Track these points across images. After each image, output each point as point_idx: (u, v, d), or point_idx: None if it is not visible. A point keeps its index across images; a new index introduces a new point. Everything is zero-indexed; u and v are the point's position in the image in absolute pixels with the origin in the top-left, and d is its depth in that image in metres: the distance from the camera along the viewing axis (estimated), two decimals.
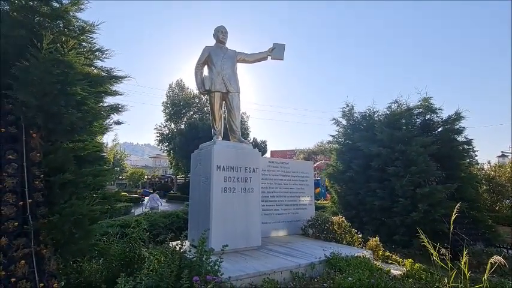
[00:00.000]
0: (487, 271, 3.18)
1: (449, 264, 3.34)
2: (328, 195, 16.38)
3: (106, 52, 4.07)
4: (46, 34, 3.02)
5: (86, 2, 3.68)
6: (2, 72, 3.10)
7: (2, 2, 3.32)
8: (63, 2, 3.58)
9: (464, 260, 3.23)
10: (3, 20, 3.18)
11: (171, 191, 37.66)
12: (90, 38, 3.92)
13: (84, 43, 3.93)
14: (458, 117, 8.05)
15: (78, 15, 3.78)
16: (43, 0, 3.42)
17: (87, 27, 3.79)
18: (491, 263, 3.16)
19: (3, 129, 3.12)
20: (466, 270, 3.18)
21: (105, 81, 4.11)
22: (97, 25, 3.82)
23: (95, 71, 4.10)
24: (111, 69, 4.20)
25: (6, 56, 3.13)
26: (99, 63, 4.16)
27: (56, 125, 3.32)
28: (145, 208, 13.53)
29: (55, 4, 3.54)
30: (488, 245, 6.69)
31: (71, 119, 3.28)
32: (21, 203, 3.02)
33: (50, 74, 3.03)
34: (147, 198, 15.20)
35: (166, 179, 51.12)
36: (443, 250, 3.54)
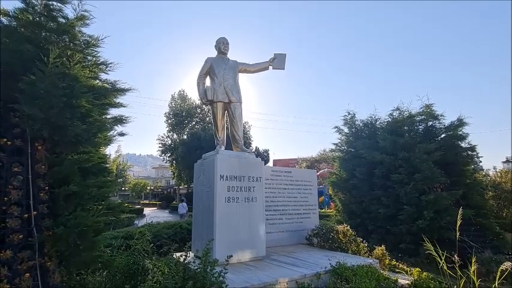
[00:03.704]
0: (496, 279, 3.12)
1: (459, 273, 3.28)
2: (332, 204, 16.25)
3: (110, 65, 4.15)
4: (52, 48, 3.09)
5: (91, 17, 3.78)
6: (9, 86, 3.16)
7: (10, 18, 3.41)
8: (69, 17, 3.67)
9: (473, 268, 3.17)
10: (11, 35, 3.26)
11: (174, 202, 37.52)
12: (95, 51, 4.00)
13: (89, 57, 4.01)
14: (460, 123, 8.05)
15: (83, 29, 3.88)
16: (50, 16, 3.51)
17: (92, 41, 3.88)
18: (501, 270, 3.11)
19: (9, 142, 3.16)
20: (475, 279, 3.12)
21: (110, 94, 4.19)
22: (101, 39, 3.91)
23: (100, 83, 4.17)
24: (115, 81, 4.28)
25: (13, 70, 3.20)
26: (103, 76, 4.25)
27: (61, 137, 3.36)
28: (178, 215, 18.03)
29: (61, 20, 3.63)
30: (497, 253, 6.57)
31: (75, 131, 3.32)
32: (26, 215, 3.03)
33: (56, 87, 3.09)
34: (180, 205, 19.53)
35: (168, 190, 50.98)
36: (452, 258, 3.48)
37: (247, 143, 28.16)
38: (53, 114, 3.14)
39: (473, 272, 3.15)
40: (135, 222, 14.68)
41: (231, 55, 5.98)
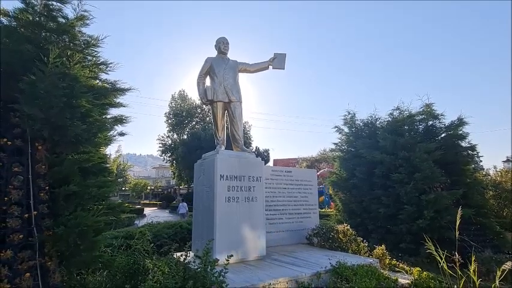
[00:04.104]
0: (496, 278, 3.12)
1: (459, 272, 3.28)
2: (332, 203, 16.25)
3: (110, 65, 4.15)
4: (52, 48, 3.09)
5: (91, 17, 3.78)
6: (9, 86, 3.16)
7: (10, 18, 3.41)
8: (69, 17, 3.67)
9: (473, 267, 3.17)
10: (11, 35, 3.26)
11: (174, 202, 37.57)
12: (95, 51, 4.01)
13: (89, 57, 4.01)
14: (460, 122, 8.04)
15: (83, 29, 3.88)
16: (50, 16, 3.51)
17: (92, 41, 3.88)
18: (503, 269, 3.10)
19: (9, 142, 3.16)
20: (475, 278, 3.12)
21: (110, 94, 4.19)
22: (101, 39, 3.91)
23: (100, 83, 4.17)
24: (115, 81, 4.28)
25: (13, 70, 3.20)
26: (103, 76, 4.25)
27: (61, 137, 3.36)
28: (178, 215, 18.29)
29: (61, 20, 3.63)
30: (497, 252, 6.57)
31: (76, 131, 3.32)
32: (26, 215, 3.04)
33: (56, 87, 3.09)
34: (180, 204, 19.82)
35: (169, 190, 50.96)
36: (453, 257, 3.48)
37: (247, 142, 28.16)
38: (53, 114, 3.15)
39: (474, 271, 3.15)
40: (136, 222, 14.69)
41: (231, 55, 5.99)
